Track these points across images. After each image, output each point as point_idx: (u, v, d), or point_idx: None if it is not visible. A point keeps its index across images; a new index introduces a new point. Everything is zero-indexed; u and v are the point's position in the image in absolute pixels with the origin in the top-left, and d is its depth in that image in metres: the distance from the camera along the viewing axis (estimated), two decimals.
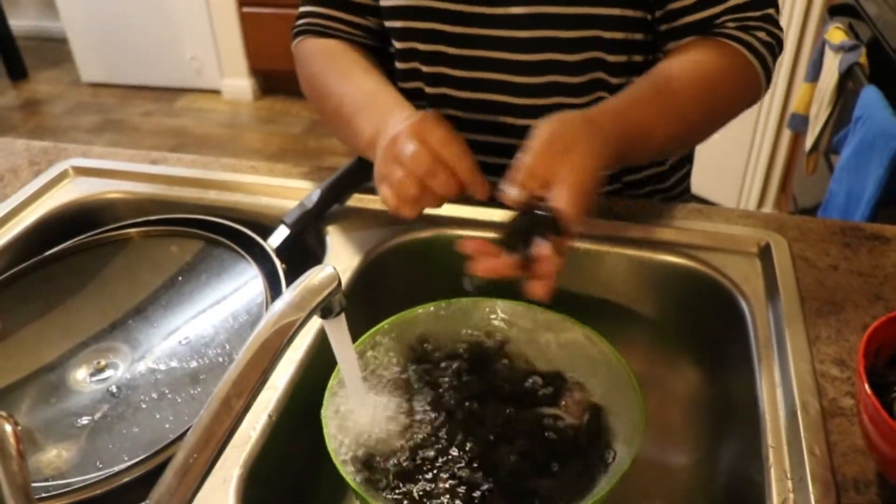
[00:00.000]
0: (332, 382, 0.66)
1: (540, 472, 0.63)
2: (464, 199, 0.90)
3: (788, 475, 0.57)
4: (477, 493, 0.60)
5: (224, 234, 0.88)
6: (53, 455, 0.71)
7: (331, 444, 0.62)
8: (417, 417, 0.67)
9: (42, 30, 4.46)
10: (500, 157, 0.90)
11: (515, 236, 0.65)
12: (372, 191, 0.80)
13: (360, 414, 0.64)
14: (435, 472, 0.62)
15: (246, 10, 3.55)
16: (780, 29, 0.84)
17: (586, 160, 0.64)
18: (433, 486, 0.61)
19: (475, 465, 0.63)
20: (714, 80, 0.79)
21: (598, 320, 0.72)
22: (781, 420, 0.62)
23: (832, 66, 1.72)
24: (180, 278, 0.86)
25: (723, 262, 0.81)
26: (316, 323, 0.75)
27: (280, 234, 0.88)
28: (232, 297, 0.83)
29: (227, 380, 0.50)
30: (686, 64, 0.79)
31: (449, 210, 0.89)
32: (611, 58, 0.84)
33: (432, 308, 0.75)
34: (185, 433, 0.65)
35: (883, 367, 0.57)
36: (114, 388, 0.75)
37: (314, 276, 0.54)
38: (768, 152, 2.41)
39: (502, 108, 0.89)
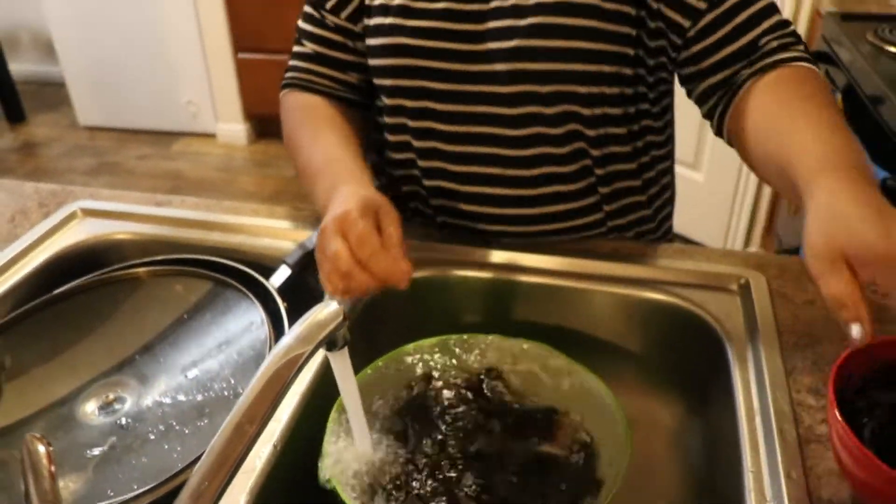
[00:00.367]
0: (333, 414, 0.70)
1: (531, 501, 0.66)
2: (460, 240, 0.95)
3: (767, 498, 0.61)
4: None
5: (228, 274, 0.92)
6: (61, 486, 0.74)
7: (333, 473, 0.65)
8: (415, 448, 0.70)
9: (41, 74, 4.53)
10: (490, 206, 0.94)
11: None
12: None
13: (361, 444, 0.67)
14: (432, 499, 0.65)
15: (241, 56, 3.63)
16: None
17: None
18: None
19: (470, 493, 0.66)
20: (822, 97, 0.78)
21: (587, 355, 0.76)
22: (760, 446, 0.65)
23: None
24: (186, 316, 0.89)
25: (704, 299, 0.85)
26: (317, 359, 0.78)
27: (282, 274, 0.91)
28: (236, 334, 0.86)
29: (239, 408, 0.53)
30: (797, 95, 0.78)
31: (443, 253, 0.93)
32: (586, 111, 0.89)
33: (426, 344, 0.79)
34: (193, 462, 0.68)
35: (853, 394, 0.61)
36: (122, 421, 0.78)
37: (320, 312, 0.58)
38: (753, 193, 2.47)
39: (489, 160, 0.93)
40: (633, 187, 0.97)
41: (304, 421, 0.73)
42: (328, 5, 0.95)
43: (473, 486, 0.67)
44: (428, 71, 0.90)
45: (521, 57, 0.85)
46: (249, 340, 0.84)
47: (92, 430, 0.78)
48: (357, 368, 0.71)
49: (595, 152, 0.92)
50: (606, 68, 0.86)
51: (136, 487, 0.68)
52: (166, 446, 0.74)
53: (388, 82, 0.93)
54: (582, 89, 0.87)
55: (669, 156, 1.04)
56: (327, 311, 0.58)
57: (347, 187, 0.76)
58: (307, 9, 0.98)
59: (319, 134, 0.92)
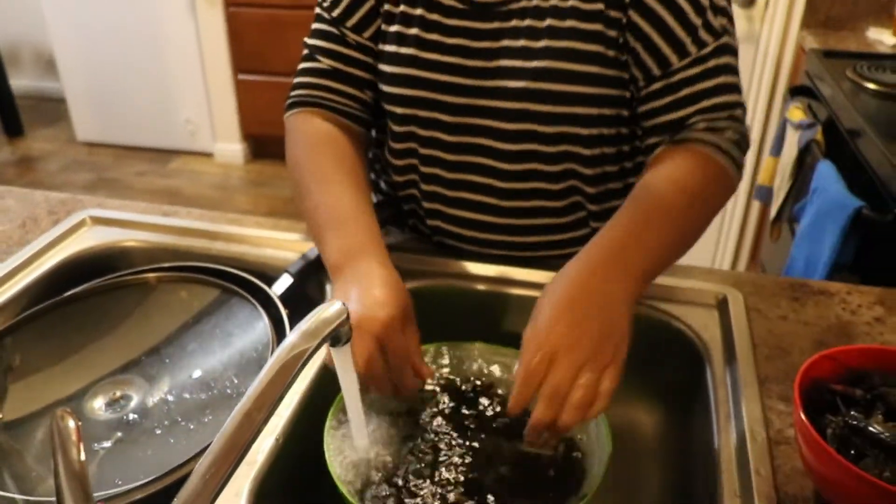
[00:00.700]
0: (332, 409, 0.74)
1: (517, 496, 0.70)
2: (457, 255, 1.00)
3: (738, 493, 0.65)
4: None
5: (232, 281, 0.96)
6: None
7: (332, 463, 0.69)
8: (408, 445, 0.74)
9: (41, 89, 4.58)
10: (482, 232, 0.99)
11: None
12: None
13: (358, 437, 0.71)
14: (425, 492, 0.70)
15: (241, 77, 3.70)
16: (745, 126, 0.91)
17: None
18: None
19: (462, 488, 0.70)
20: (696, 193, 0.84)
21: None
22: (733, 446, 0.70)
23: (792, 142, 1.86)
24: (192, 320, 0.93)
25: (684, 313, 0.90)
26: (316, 361, 0.83)
27: (284, 283, 0.96)
28: (240, 338, 0.90)
29: (249, 397, 0.57)
30: (669, 183, 0.84)
31: (438, 266, 0.98)
32: (585, 151, 0.93)
33: (427, 348, 0.83)
34: (198, 455, 0.72)
35: (819, 397, 0.65)
36: (129, 417, 0.82)
37: (326, 310, 0.62)
38: (739, 222, 2.54)
39: (485, 189, 0.97)
40: None
41: (304, 417, 0.77)
42: (349, 23, 0.96)
43: (462, 484, 0.71)
44: (437, 103, 0.93)
45: (528, 98, 0.89)
46: (252, 344, 0.88)
47: (99, 426, 0.81)
48: None
49: (590, 189, 0.96)
50: (607, 111, 0.91)
51: (142, 478, 0.72)
52: (171, 440, 0.78)
53: (398, 110, 0.96)
54: (583, 131, 0.91)
55: None
56: (332, 309, 0.62)
57: (381, 272, 0.78)
58: (322, 26, 0.99)
59: (330, 181, 0.91)
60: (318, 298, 0.98)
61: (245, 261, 1.03)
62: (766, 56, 2.37)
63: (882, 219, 1.37)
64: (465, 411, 0.79)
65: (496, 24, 0.89)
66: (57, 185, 3.68)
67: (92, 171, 3.85)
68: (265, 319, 0.90)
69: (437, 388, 0.82)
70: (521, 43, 0.88)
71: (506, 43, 0.89)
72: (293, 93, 1.02)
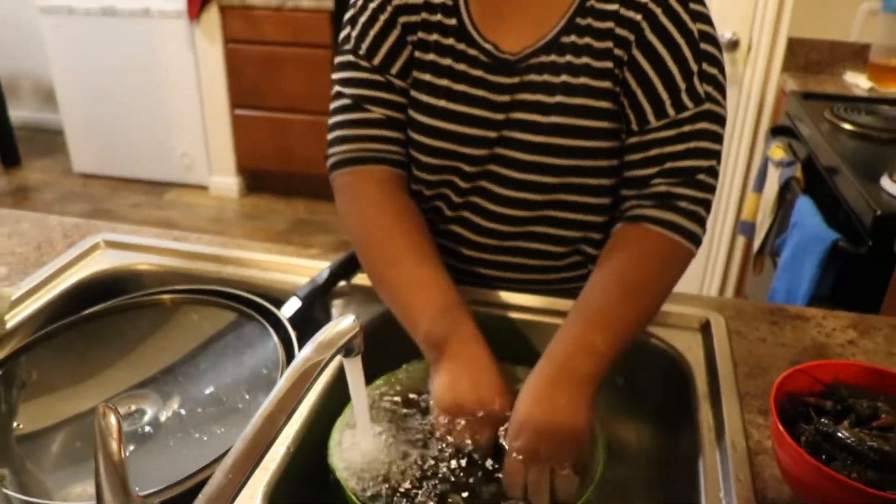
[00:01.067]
0: (341, 419, 0.79)
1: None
2: (456, 279, 1.05)
3: (720, 498, 0.70)
4: None
5: (243, 303, 1.01)
6: (82, 489, 0.81)
7: (339, 470, 0.73)
8: (413, 452, 0.79)
9: (40, 121, 4.65)
10: (484, 268, 1.04)
11: None
12: None
13: (365, 445, 0.76)
14: (428, 497, 0.74)
15: (238, 111, 3.78)
16: (709, 190, 0.91)
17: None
18: None
19: (462, 493, 0.75)
20: (645, 286, 0.88)
21: None
22: (716, 456, 0.75)
23: (774, 180, 1.93)
24: (204, 340, 0.98)
25: (670, 336, 0.95)
26: (325, 376, 0.88)
27: (293, 306, 1.00)
28: (251, 357, 0.94)
29: (270, 401, 0.62)
30: (617, 285, 0.88)
31: None
32: (593, 200, 0.97)
33: (423, 366, 0.88)
34: (211, 464, 0.76)
35: (794, 409, 0.71)
36: (144, 430, 0.86)
37: (340, 323, 0.68)
38: (724, 257, 2.61)
39: (488, 233, 1.01)
40: None
41: (314, 428, 0.81)
42: (393, 70, 0.98)
43: (463, 487, 0.76)
44: (460, 155, 0.98)
45: (543, 152, 0.94)
46: (263, 362, 0.93)
47: None
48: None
49: (595, 236, 1.01)
50: (616, 161, 0.96)
51: (157, 485, 0.76)
52: (185, 451, 0.82)
53: (425, 158, 1.00)
54: (592, 181, 0.96)
55: None
56: (346, 322, 0.67)
57: (489, 357, 0.85)
58: (361, 74, 0.99)
59: (413, 254, 0.94)
60: (325, 320, 1.02)
61: (253, 284, 1.08)
62: (749, 97, 2.46)
63: (857, 251, 1.44)
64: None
65: (516, 79, 0.93)
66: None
67: (87, 202, 3.89)
68: (275, 339, 0.94)
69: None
70: (537, 97, 0.92)
71: (523, 96, 0.93)
72: (339, 148, 1.01)
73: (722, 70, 0.91)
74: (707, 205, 0.92)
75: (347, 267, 1.05)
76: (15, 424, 0.88)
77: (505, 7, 0.95)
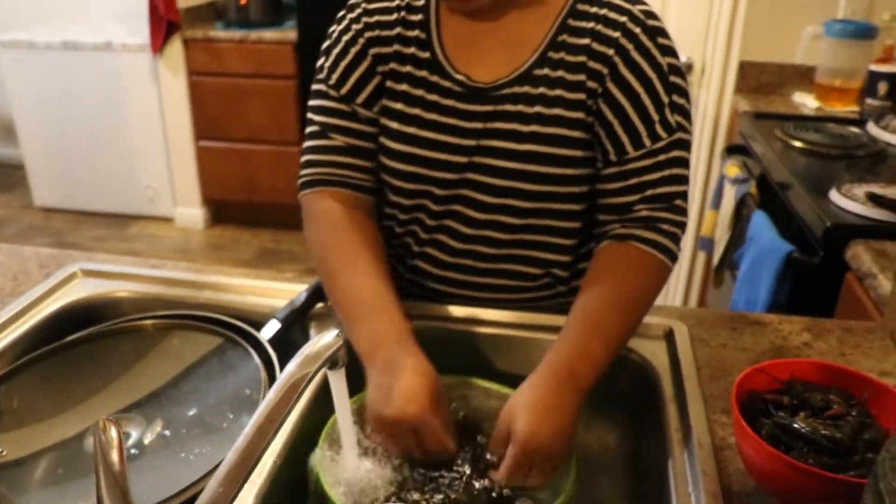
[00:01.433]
0: (325, 432, 0.81)
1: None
2: (430, 298, 1.08)
3: (689, 492, 0.74)
4: None
5: (223, 327, 1.03)
6: None
7: (324, 481, 0.76)
8: (396, 462, 0.82)
9: None
10: (455, 288, 1.08)
11: None
12: None
13: (350, 457, 0.79)
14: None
15: (202, 143, 3.79)
16: (684, 213, 0.98)
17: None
18: None
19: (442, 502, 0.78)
20: (633, 299, 0.93)
21: None
22: (683, 453, 0.79)
23: (730, 196, 2.01)
24: (186, 363, 1.00)
25: (637, 344, 1.00)
26: (307, 392, 0.90)
27: (272, 328, 1.02)
28: (233, 378, 0.96)
29: (260, 414, 0.65)
30: (610, 298, 0.92)
31: (413, 309, 1.06)
32: (563, 224, 1.02)
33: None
34: (199, 480, 0.78)
35: (755, 405, 0.76)
36: (129, 452, 0.88)
37: (324, 337, 0.71)
38: (686, 273, 2.68)
39: (460, 253, 1.05)
40: None
41: (298, 443, 0.84)
42: (359, 100, 1.03)
43: (443, 498, 0.79)
44: (431, 179, 1.02)
45: (516, 177, 0.98)
46: (246, 383, 0.95)
47: None
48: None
49: (565, 259, 1.06)
50: (586, 188, 1.01)
51: (146, 501, 0.77)
52: (172, 470, 0.84)
53: (396, 182, 1.04)
54: (564, 207, 1.01)
55: None
56: (329, 336, 0.70)
57: (410, 361, 0.85)
58: (329, 103, 1.04)
59: (357, 263, 0.97)
60: (303, 341, 1.04)
61: (232, 308, 1.10)
62: (705, 119, 2.55)
63: (810, 261, 1.51)
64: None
65: (489, 107, 0.98)
66: None
67: (50, 236, 3.86)
68: (257, 361, 0.97)
69: None
70: (512, 126, 0.97)
71: (497, 125, 0.98)
72: (306, 171, 1.06)
73: (688, 99, 0.98)
74: (684, 227, 0.98)
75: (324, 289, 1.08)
76: None
77: (478, 41, 1.00)
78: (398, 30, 1.02)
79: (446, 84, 1.00)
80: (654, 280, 0.96)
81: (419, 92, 1.01)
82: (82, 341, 1.02)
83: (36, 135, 3.93)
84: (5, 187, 4.38)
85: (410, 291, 1.12)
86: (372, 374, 0.86)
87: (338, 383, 0.74)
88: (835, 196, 1.58)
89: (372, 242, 1.01)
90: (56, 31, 3.82)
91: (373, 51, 1.02)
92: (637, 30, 0.94)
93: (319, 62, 1.07)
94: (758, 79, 2.50)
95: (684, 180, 0.98)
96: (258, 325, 1.03)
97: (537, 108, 0.96)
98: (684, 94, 0.97)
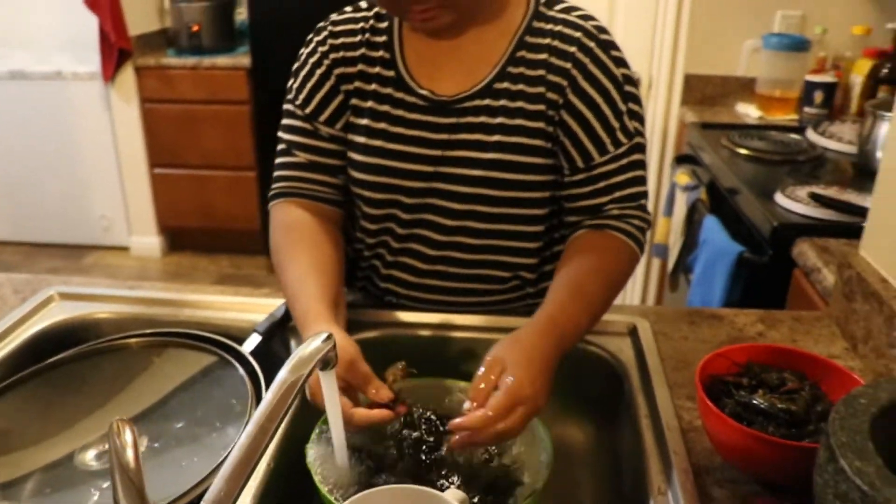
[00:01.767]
0: (315, 432, 0.85)
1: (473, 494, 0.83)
2: (404, 307, 1.13)
3: (661, 470, 0.80)
4: None
5: (206, 342, 1.05)
6: None
7: (316, 475, 0.80)
8: (380, 460, 0.86)
9: None
10: (427, 293, 1.13)
11: None
12: None
13: (340, 453, 0.82)
14: None
15: (157, 170, 3.77)
16: (648, 212, 1.07)
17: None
18: None
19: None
20: (610, 274, 1.00)
21: None
22: (653, 437, 0.85)
23: (681, 203, 2.10)
24: (172, 379, 1.02)
25: (604, 341, 1.05)
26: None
27: (253, 341, 1.06)
28: (219, 391, 0.98)
29: (261, 412, 0.68)
30: (590, 270, 0.99)
31: (388, 317, 1.11)
32: (529, 228, 1.08)
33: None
34: (192, 489, 0.81)
35: (718, 386, 0.82)
36: None
37: (316, 339, 0.74)
38: (642, 279, 2.77)
39: (430, 259, 1.10)
40: None
41: (289, 446, 0.87)
42: (322, 118, 1.09)
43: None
44: (399, 188, 1.07)
45: (483, 185, 1.04)
46: (231, 395, 0.97)
47: (92, 476, 0.88)
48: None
49: (531, 261, 1.11)
50: (548, 193, 1.07)
51: None
52: (164, 480, 0.86)
53: (366, 193, 1.09)
54: (528, 212, 1.07)
55: None
56: (321, 338, 0.74)
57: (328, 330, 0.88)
58: (295, 122, 1.10)
59: (299, 257, 1.03)
60: (285, 353, 1.08)
61: (212, 325, 1.13)
62: (654, 130, 2.65)
63: (760, 260, 1.59)
64: (426, 432, 0.91)
65: (453, 119, 1.04)
66: None
67: (2, 270, 3.79)
68: (241, 373, 0.99)
69: (407, 416, 0.93)
70: (476, 136, 1.03)
71: (462, 136, 1.03)
72: (274, 185, 1.13)
73: (641, 105, 1.06)
74: (650, 224, 1.08)
75: None
76: None
77: (440, 58, 1.05)
78: (362, 50, 1.07)
79: (411, 99, 1.05)
80: (626, 264, 1.03)
81: (385, 108, 1.06)
82: (65, 362, 1.03)
83: None
84: None
85: (386, 301, 1.16)
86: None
87: (328, 384, 0.78)
88: (780, 198, 1.67)
89: (315, 240, 1.06)
90: (2, 61, 3.78)
91: (337, 71, 1.08)
92: (592, 44, 1.01)
93: (289, 83, 1.12)
94: (702, 91, 2.62)
95: (645, 181, 1.06)
96: (239, 340, 1.06)
97: (500, 119, 1.02)
98: (638, 101, 1.04)
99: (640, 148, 1.05)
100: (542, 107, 1.02)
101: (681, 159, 2.30)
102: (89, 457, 0.91)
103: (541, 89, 1.02)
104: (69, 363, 1.04)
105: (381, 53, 1.07)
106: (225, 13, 3.70)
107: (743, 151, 2.05)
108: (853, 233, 1.17)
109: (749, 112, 2.49)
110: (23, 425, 0.97)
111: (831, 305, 1.15)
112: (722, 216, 1.86)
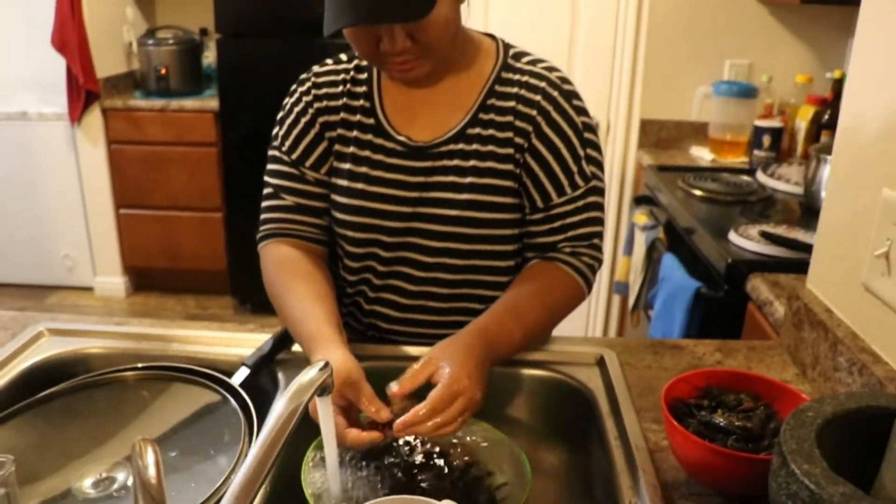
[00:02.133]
0: (308, 455, 0.90)
1: None
2: (387, 340, 1.18)
3: (631, 486, 0.87)
4: None
5: (196, 375, 1.10)
6: None
7: (310, 497, 0.85)
8: (378, 476, 0.92)
9: None
10: (407, 326, 1.19)
11: None
12: None
13: (333, 476, 0.87)
14: None
15: (122, 211, 3.78)
16: (601, 251, 1.16)
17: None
18: None
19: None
20: (550, 306, 1.10)
21: (493, 420, 1.00)
22: (623, 458, 0.92)
23: (641, 242, 2.20)
24: (165, 411, 1.06)
25: (573, 371, 1.12)
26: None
27: (242, 374, 1.10)
28: (212, 422, 1.03)
29: (269, 429, 0.73)
30: (533, 296, 1.08)
31: (372, 351, 1.16)
32: (501, 263, 1.16)
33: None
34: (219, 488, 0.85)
35: (681, 409, 0.89)
36: (116, 494, 0.93)
37: (315, 367, 0.80)
38: (603, 315, 2.86)
39: (410, 294, 1.17)
40: None
41: (285, 471, 0.92)
42: (308, 163, 1.16)
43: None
44: (379, 228, 1.14)
45: (459, 223, 1.11)
46: (223, 425, 1.02)
47: (92, 502, 0.92)
48: (309, 442, 0.92)
49: (486, 293, 1.18)
50: (517, 230, 1.15)
51: None
52: None
53: (349, 233, 1.16)
54: (499, 248, 1.15)
55: None
56: (319, 366, 0.80)
57: (333, 351, 0.95)
58: (282, 167, 1.17)
59: (296, 288, 1.09)
60: (272, 386, 1.13)
61: (200, 359, 1.17)
62: (612, 173, 2.77)
63: (716, 295, 1.69)
64: (415, 457, 0.97)
65: (429, 163, 1.12)
66: None
67: None
68: (233, 404, 1.04)
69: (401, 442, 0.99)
70: (451, 179, 1.11)
71: (438, 178, 1.12)
72: (263, 227, 1.20)
73: (600, 151, 1.15)
74: (600, 262, 1.16)
75: (287, 337, 1.17)
76: None
77: (416, 106, 1.14)
78: (344, 100, 1.15)
79: (390, 145, 1.13)
80: (570, 297, 1.13)
81: (365, 153, 1.14)
82: (60, 394, 1.07)
83: None
84: None
85: (370, 336, 1.22)
86: None
87: (324, 410, 0.83)
88: (733, 237, 1.77)
89: (308, 273, 1.12)
90: None
91: (321, 119, 1.15)
92: (555, 93, 1.10)
93: (274, 131, 1.20)
94: (658, 135, 2.74)
95: (600, 222, 1.15)
96: (228, 374, 1.10)
97: (472, 162, 1.10)
98: (597, 147, 1.14)
99: (597, 191, 1.14)
100: (510, 150, 1.10)
101: (639, 200, 2.41)
102: (87, 485, 0.95)
103: (509, 134, 1.10)
104: (62, 396, 1.07)
105: (361, 102, 1.15)
106: (193, 56, 3.77)
107: (698, 192, 2.16)
108: (801, 268, 1.25)
109: (702, 155, 2.62)
110: (19, 456, 1.00)
111: (782, 335, 1.23)
112: (679, 254, 1.96)
